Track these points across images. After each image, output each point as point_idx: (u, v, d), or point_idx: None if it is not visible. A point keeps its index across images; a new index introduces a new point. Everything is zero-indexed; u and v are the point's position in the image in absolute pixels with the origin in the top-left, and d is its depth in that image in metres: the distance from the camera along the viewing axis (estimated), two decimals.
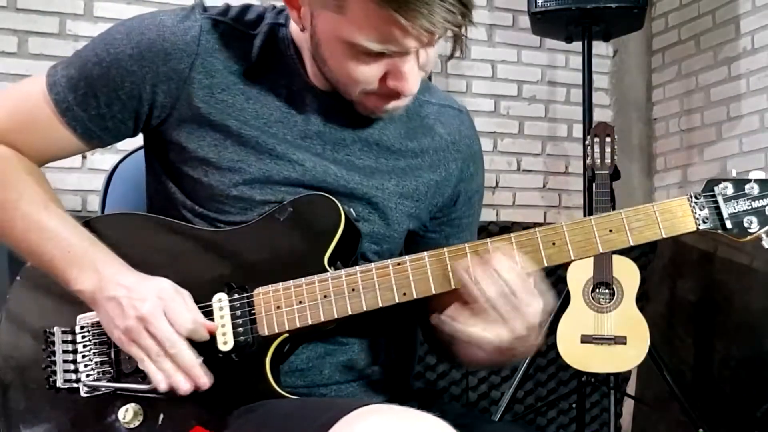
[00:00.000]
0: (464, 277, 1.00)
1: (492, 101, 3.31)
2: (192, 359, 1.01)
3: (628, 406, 3.21)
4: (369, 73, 1.01)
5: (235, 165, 1.08)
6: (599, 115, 3.27)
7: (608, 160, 2.54)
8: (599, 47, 3.35)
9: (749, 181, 1.03)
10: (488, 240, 1.02)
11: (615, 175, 2.55)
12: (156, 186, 1.17)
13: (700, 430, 2.52)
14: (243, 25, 1.11)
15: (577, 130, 3.36)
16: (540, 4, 2.76)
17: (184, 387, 1.01)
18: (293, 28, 1.11)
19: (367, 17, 0.94)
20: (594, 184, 2.54)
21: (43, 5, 2.65)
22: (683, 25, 3.37)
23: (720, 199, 1.02)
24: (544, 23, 2.86)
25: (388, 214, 1.14)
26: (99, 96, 1.07)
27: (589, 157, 2.56)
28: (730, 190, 1.02)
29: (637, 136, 3.55)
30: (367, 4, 0.93)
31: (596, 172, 2.54)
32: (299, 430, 0.88)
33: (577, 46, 2.93)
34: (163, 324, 1.00)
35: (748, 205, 1.02)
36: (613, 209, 2.49)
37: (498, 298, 0.98)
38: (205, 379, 1.02)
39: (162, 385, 1.01)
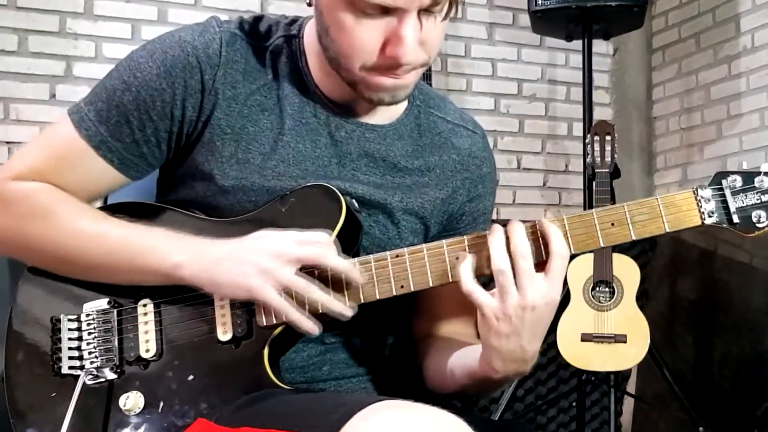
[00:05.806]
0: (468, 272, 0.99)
1: (492, 99, 3.31)
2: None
3: (629, 404, 3.21)
4: (368, 38, 1.00)
5: (239, 183, 1.08)
6: (599, 114, 3.27)
7: (608, 159, 2.54)
8: (599, 45, 3.34)
9: (759, 173, 0.98)
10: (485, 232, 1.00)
11: (615, 173, 2.54)
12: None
13: (700, 428, 2.52)
14: (258, 38, 1.12)
15: (577, 129, 3.36)
16: (540, 2, 2.76)
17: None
18: (306, 38, 1.13)
19: None
20: (594, 183, 2.54)
21: (43, 3, 2.64)
22: (683, 23, 3.37)
23: (728, 192, 0.99)
24: (544, 21, 2.86)
25: (398, 224, 1.14)
26: (132, 121, 1.07)
27: (589, 156, 2.56)
28: (738, 182, 0.98)
29: (637, 134, 3.55)
30: None
31: (596, 170, 2.54)
32: (313, 425, 0.87)
33: (577, 44, 2.93)
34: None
35: (758, 199, 0.98)
36: None
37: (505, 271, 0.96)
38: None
39: (317, 331, 1.02)
